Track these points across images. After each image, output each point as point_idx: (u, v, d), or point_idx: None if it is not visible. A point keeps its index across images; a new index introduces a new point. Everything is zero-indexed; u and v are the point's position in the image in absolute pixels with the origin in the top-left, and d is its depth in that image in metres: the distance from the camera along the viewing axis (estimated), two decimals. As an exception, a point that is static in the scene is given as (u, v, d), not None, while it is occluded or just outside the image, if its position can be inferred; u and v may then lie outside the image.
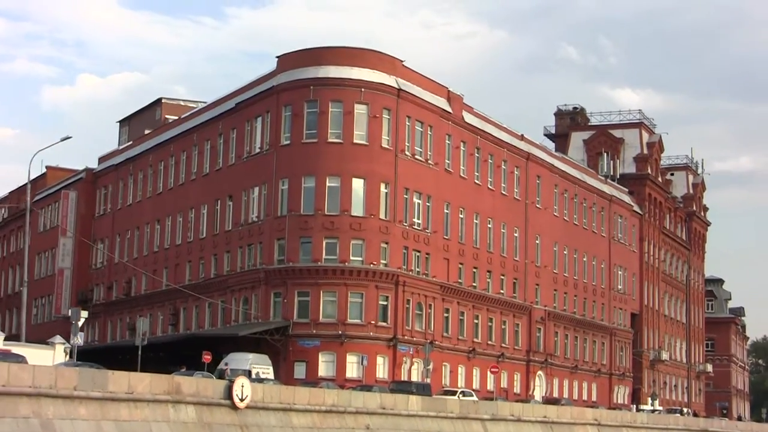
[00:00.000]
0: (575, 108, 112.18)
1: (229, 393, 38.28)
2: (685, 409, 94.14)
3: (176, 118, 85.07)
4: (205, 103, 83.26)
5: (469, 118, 74.13)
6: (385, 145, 65.50)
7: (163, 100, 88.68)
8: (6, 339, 49.75)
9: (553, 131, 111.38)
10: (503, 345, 76.95)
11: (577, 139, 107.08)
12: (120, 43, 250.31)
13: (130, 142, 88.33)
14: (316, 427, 43.04)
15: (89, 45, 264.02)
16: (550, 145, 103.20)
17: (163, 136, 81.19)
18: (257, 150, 68.19)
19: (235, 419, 38.89)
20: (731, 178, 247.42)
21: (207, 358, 55.45)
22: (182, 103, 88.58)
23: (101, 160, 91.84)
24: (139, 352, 48.12)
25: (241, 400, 38.60)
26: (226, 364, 49.21)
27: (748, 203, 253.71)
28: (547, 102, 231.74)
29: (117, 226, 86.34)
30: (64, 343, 47.02)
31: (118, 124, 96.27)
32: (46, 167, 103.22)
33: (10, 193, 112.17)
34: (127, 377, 35.70)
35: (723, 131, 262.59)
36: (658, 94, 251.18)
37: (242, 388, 38.80)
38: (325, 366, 62.25)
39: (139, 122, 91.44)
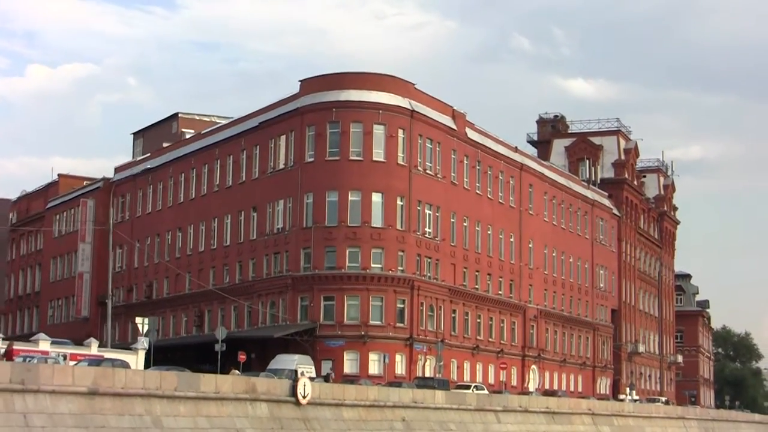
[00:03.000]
0: (556, 116, 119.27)
1: (293, 391, 44.73)
2: (664, 398, 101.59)
3: (192, 131, 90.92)
4: (223, 117, 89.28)
5: (471, 133, 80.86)
6: (400, 161, 72.08)
7: (179, 115, 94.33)
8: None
9: (535, 138, 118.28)
10: (502, 342, 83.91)
11: (559, 145, 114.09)
12: (70, 34, 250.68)
13: (148, 154, 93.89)
14: (362, 419, 49.57)
15: (39, 35, 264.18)
16: (533, 151, 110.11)
17: (184, 149, 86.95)
18: (281, 166, 74.38)
19: (299, 414, 45.30)
20: (682, 166, 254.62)
21: (242, 357, 61.42)
22: (197, 117, 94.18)
23: (117, 170, 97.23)
24: (219, 357, 54.07)
25: (304, 397, 45.01)
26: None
27: (698, 191, 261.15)
28: (501, 92, 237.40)
29: (136, 233, 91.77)
30: (144, 348, 52.87)
31: (133, 135, 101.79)
32: (58, 175, 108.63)
33: (18, 198, 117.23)
34: (214, 379, 42.09)
35: (674, 120, 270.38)
36: (611, 83, 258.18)
37: (304, 386, 45.26)
38: (349, 364, 68.74)
39: (154, 135, 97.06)
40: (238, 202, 78.90)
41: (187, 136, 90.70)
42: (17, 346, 44.76)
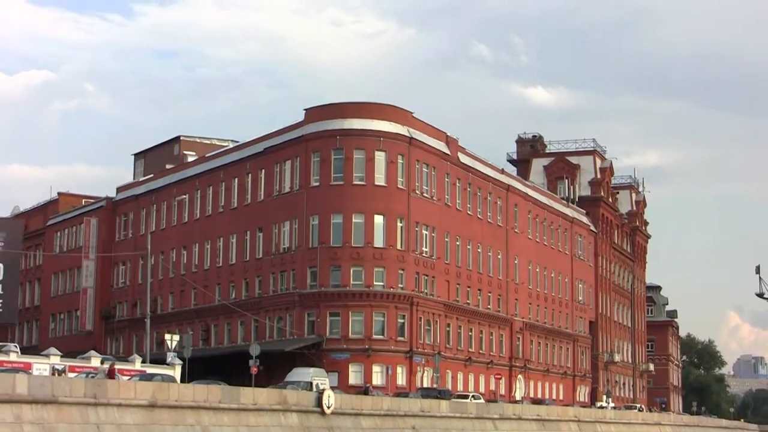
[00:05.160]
0: (534, 136, 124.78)
1: (319, 402, 49.47)
2: (640, 405, 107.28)
3: (193, 153, 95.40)
4: (223, 140, 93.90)
5: (462, 158, 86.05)
6: (400, 186, 77.14)
7: (181, 138, 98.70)
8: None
9: (515, 157, 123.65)
10: (491, 353, 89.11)
11: (538, 164, 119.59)
12: (27, 41, 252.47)
13: (151, 175, 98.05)
14: (378, 427, 54.38)
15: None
16: (512, 169, 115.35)
17: (188, 171, 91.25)
18: (287, 189, 79.14)
19: (324, 423, 50.05)
20: (639, 173, 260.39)
21: (254, 370, 65.82)
22: (198, 140, 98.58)
23: (119, 189, 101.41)
24: (254, 373, 58.61)
25: (328, 407, 49.74)
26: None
27: (655, 197, 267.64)
28: (461, 100, 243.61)
29: (139, 251, 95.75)
30: (180, 363, 57.26)
31: (133, 156, 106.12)
32: (58, 193, 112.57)
33: (17, 216, 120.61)
34: (252, 392, 46.77)
35: (631, 127, 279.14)
36: (569, 91, 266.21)
37: (329, 398, 50.05)
38: (354, 375, 73.58)
39: (156, 156, 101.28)
40: (244, 222, 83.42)
41: (189, 159, 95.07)
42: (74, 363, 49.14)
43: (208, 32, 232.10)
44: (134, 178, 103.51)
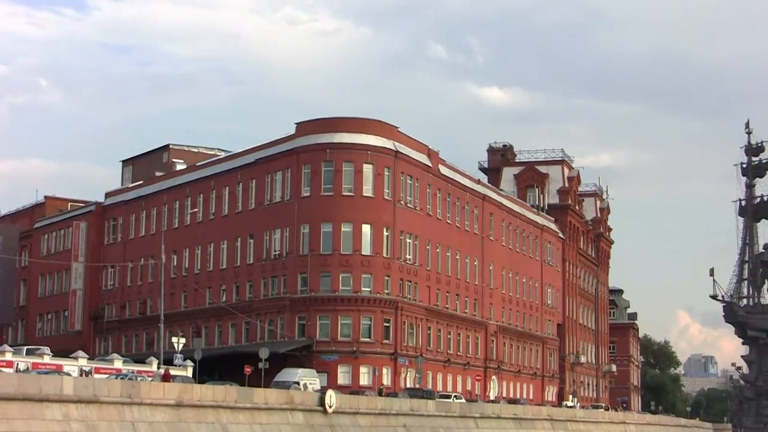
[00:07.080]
0: (505, 145, 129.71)
1: (322, 401, 53.81)
2: (605, 404, 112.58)
3: (182, 161, 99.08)
4: (212, 149, 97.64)
5: (443, 170, 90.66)
6: (386, 197, 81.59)
7: (170, 146, 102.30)
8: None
9: (486, 165, 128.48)
10: (468, 355, 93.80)
11: (509, 173, 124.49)
12: None
13: (141, 181, 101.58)
14: (373, 425, 58.82)
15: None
16: (483, 177, 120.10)
17: (179, 179, 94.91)
18: (278, 199, 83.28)
19: (326, 421, 54.44)
20: (592, 173, 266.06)
21: (248, 370, 69.76)
22: (187, 148, 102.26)
23: (108, 195, 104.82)
24: (263, 374, 62.65)
25: (330, 407, 54.09)
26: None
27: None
28: (417, 99, 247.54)
29: (128, 254, 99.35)
30: (192, 365, 61.14)
31: (122, 163, 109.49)
32: (45, 197, 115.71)
33: (2, 217, 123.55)
34: (263, 392, 51.08)
35: (584, 128, 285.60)
36: (525, 92, 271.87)
37: (330, 397, 54.44)
38: (342, 376, 77.92)
39: (144, 164, 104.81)
40: (235, 229, 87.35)
41: (178, 167, 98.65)
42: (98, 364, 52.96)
43: (163, 28, 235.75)
44: (122, 184, 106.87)
